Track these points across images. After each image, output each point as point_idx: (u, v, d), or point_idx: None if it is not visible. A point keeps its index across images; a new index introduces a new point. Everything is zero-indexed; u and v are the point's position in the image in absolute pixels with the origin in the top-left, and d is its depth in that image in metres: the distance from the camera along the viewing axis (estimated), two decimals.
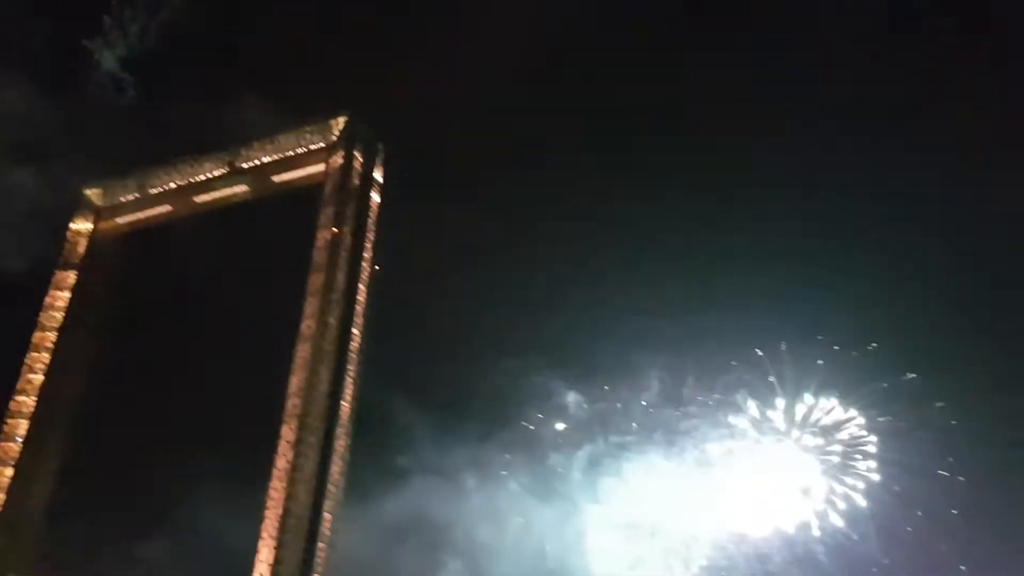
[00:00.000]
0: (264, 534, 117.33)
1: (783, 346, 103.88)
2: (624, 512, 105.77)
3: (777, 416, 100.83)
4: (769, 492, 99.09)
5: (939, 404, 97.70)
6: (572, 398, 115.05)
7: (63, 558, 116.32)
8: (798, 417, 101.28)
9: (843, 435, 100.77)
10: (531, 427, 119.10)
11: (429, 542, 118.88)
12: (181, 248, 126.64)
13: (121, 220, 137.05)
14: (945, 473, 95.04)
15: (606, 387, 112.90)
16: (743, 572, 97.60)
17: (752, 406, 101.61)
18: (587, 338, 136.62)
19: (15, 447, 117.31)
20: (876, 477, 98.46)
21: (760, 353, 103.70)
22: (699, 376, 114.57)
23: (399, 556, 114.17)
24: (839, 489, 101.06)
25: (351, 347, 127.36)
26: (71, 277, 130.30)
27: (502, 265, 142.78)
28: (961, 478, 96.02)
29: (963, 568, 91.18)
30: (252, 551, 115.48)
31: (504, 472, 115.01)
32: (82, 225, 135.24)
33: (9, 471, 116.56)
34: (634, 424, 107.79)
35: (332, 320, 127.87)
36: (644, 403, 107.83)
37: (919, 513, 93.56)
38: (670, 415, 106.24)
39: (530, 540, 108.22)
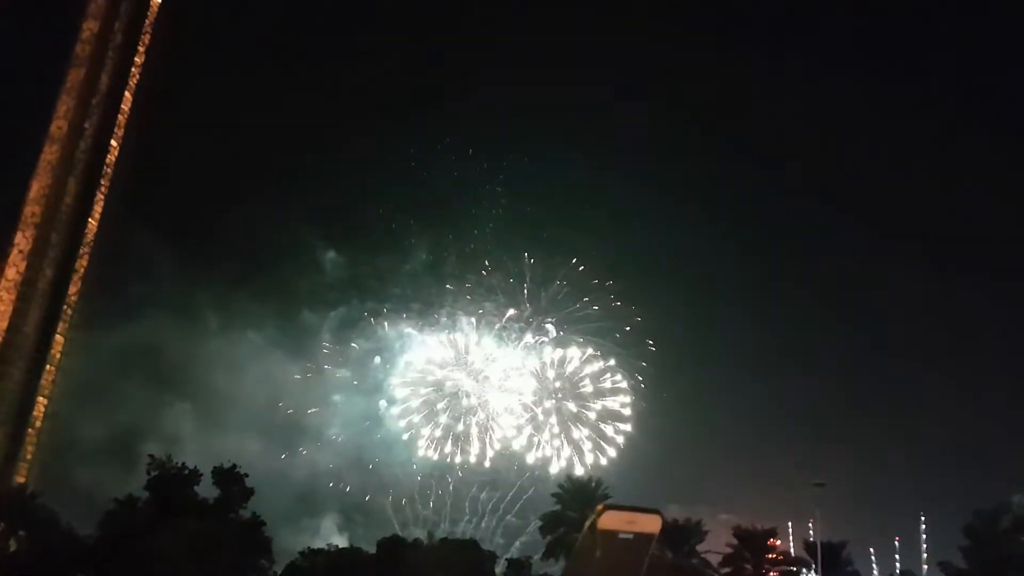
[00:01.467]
0: None
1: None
2: (368, 375, 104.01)
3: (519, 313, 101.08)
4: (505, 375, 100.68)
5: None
6: (332, 257, 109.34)
7: None
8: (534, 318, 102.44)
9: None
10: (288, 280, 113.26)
11: (161, 379, 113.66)
12: None
13: None
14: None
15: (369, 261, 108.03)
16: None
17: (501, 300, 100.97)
18: (358, 200, 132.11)
19: None
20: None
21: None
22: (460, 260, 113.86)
23: (127, 389, 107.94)
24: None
25: (107, 160, 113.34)
26: None
27: (289, 105, 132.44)
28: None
29: None
30: None
31: (250, 321, 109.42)
32: None
33: None
34: (394, 291, 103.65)
35: (88, 125, 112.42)
36: (406, 272, 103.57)
37: None
38: (429, 288, 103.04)
39: (268, 393, 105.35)
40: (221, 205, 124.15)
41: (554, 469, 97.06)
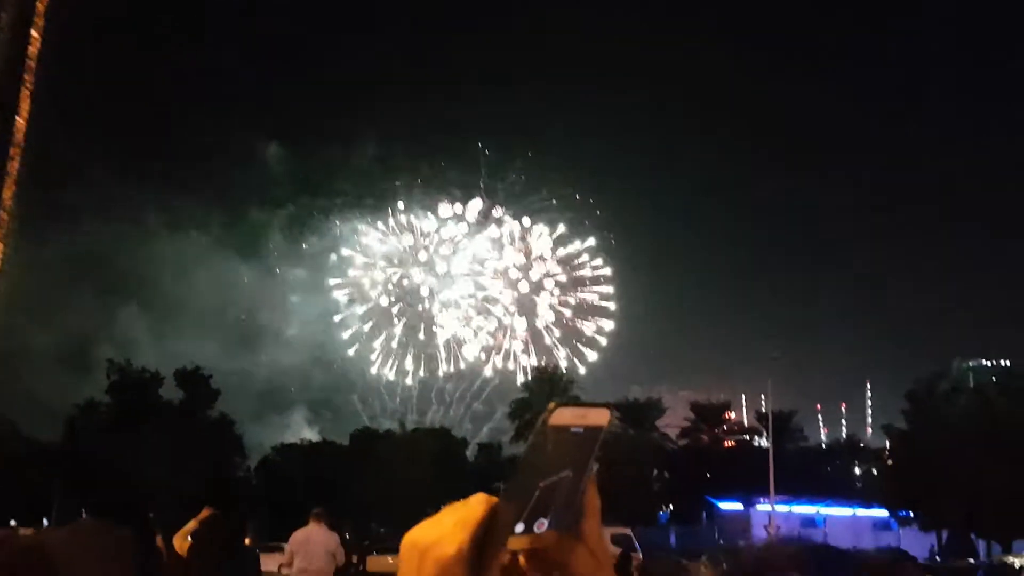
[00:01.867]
0: None
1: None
2: (324, 274, 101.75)
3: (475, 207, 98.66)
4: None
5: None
6: (274, 150, 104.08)
7: None
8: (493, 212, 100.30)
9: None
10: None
11: (109, 285, 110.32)
12: None
13: None
14: None
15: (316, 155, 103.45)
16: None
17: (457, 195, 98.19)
18: (301, 89, 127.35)
19: None
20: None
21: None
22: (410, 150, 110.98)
23: (74, 296, 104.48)
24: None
25: (29, 52, 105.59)
26: None
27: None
28: None
29: None
30: None
31: (195, 222, 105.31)
32: None
33: None
34: (344, 185, 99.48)
35: (5, 15, 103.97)
36: (355, 166, 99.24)
37: None
38: (380, 181, 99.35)
39: (220, 295, 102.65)
40: (155, 100, 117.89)
41: (524, 363, 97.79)
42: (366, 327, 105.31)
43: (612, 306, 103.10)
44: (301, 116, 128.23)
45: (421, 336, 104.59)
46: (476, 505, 0.82)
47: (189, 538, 7.75)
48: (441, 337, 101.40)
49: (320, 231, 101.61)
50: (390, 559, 33.95)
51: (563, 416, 0.72)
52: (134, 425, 59.46)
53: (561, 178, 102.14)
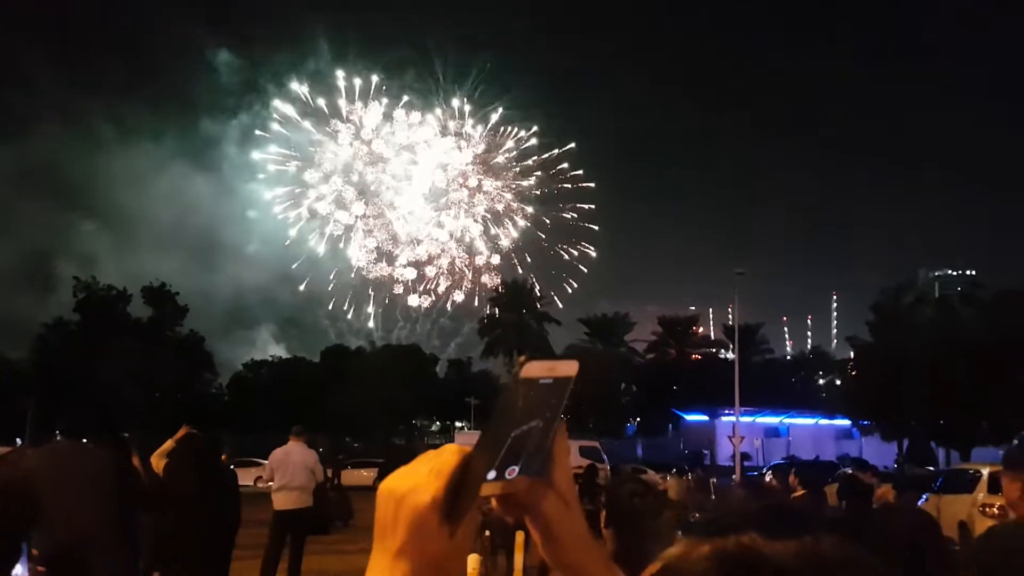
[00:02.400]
0: None
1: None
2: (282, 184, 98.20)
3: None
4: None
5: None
6: (224, 57, 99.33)
7: None
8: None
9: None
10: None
11: (63, 199, 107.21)
12: None
13: None
14: None
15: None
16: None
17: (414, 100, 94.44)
18: None
19: None
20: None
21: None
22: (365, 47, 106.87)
23: (28, 211, 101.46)
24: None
25: None
26: None
27: None
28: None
29: None
30: None
31: (146, 134, 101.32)
32: None
33: None
34: (298, 90, 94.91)
35: None
36: (307, 70, 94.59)
37: None
38: (334, 88, 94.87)
39: (177, 209, 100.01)
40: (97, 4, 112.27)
41: (488, 281, 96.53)
42: (323, 239, 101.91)
43: (594, 227, 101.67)
44: (251, 20, 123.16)
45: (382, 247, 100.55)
46: (449, 455, 0.83)
47: (166, 457, 7.76)
48: (405, 249, 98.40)
49: (277, 140, 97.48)
50: (364, 472, 34.84)
51: (533, 369, 0.77)
52: (103, 343, 59.01)
53: (528, 88, 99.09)
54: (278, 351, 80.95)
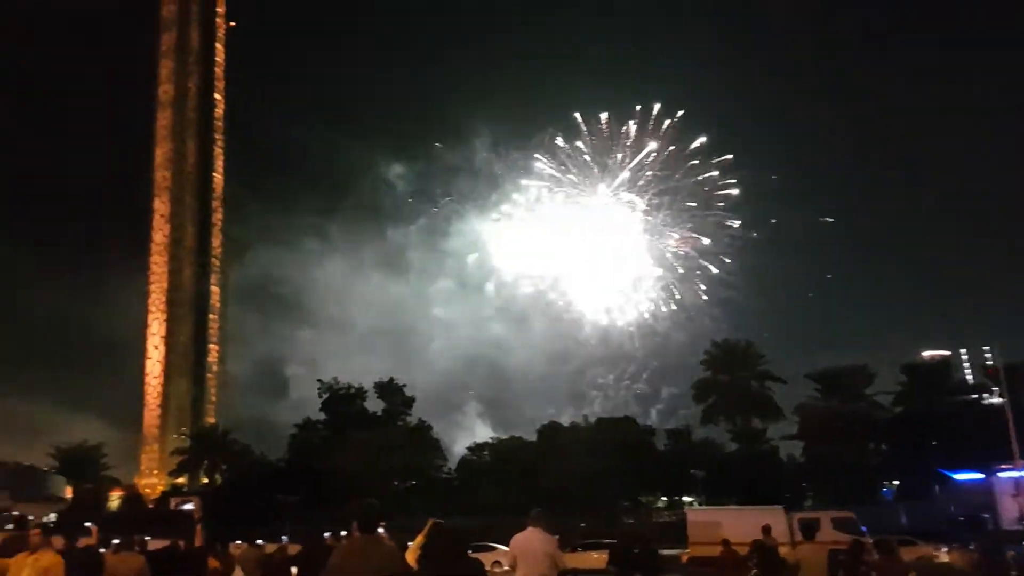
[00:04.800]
0: (153, 308, 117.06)
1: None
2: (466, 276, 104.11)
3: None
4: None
5: None
6: (399, 171, 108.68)
7: None
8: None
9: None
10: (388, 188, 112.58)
11: (284, 311, 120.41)
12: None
13: None
14: None
15: (438, 144, 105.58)
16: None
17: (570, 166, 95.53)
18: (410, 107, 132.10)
19: None
20: None
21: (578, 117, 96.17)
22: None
23: (259, 324, 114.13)
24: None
25: (215, 114, 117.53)
26: None
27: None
28: None
29: None
30: (143, 327, 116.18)
31: (343, 247, 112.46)
32: None
33: None
34: (464, 187, 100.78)
35: (192, 84, 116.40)
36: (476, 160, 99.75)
37: None
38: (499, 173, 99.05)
39: (376, 312, 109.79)
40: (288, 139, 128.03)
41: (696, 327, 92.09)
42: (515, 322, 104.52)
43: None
44: (415, 133, 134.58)
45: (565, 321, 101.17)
46: None
47: (419, 549, 8.70)
48: (587, 321, 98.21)
49: (454, 235, 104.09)
50: (595, 555, 33.47)
51: None
52: (348, 438, 64.60)
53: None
54: (486, 432, 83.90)
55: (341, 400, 72.34)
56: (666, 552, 29.04)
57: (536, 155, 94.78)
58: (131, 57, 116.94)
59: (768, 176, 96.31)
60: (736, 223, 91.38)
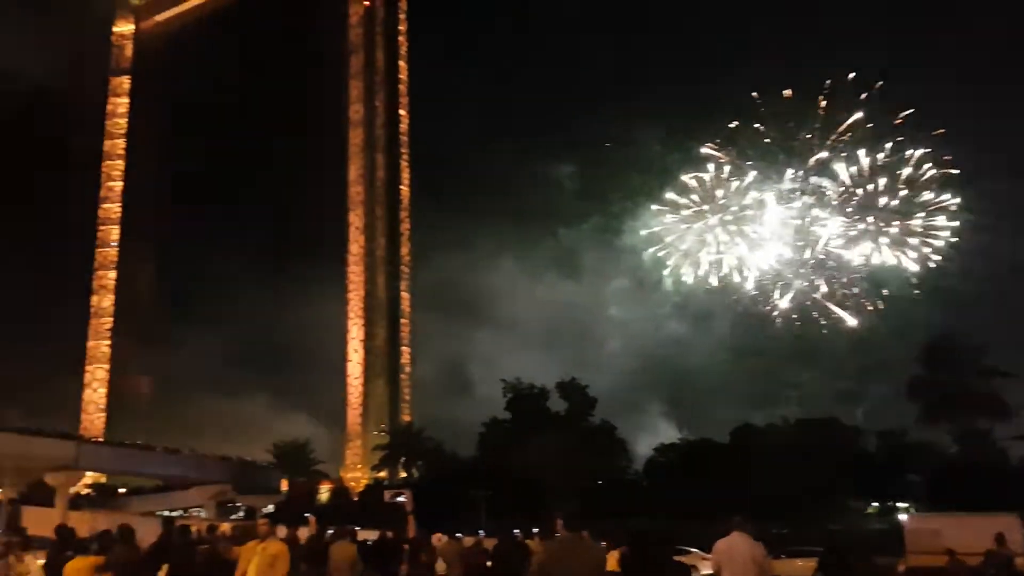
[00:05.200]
0: (352, 314, 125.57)
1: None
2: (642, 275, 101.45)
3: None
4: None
5: None
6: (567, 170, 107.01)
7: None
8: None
9: None
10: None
11: (463, 311, 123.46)
12: (220, 46, 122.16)
13: (160, 18, 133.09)
14: None
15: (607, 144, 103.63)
16: None
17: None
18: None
19: (112, 252, 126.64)
20: None
21: None
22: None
23: (442, 325, 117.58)
24: None
25: (400, 129, 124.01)
26: (126, 82, 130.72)
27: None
28: None
29: None
30: (344, 332, 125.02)
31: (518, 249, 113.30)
32: (125, 27, 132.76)
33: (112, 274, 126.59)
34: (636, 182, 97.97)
35: (378, 102, 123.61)
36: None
37: None
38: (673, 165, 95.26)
39: (551, 312, 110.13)
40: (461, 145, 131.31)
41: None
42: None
43: None
44: (583, 130, 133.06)
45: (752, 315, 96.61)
46: None
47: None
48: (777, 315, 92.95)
49: (628, 232, 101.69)
50: (799, 563, 31.10)
51: None
52: (530, 436, 65.44)
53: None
54: (672, 433, 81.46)
55: (525, 399, 73.49)
56: (880, 561, 26.77)
57: (712, 143, 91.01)
58: (321, 80, 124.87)
59: (984, 151, 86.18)
60: (952, 201, 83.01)
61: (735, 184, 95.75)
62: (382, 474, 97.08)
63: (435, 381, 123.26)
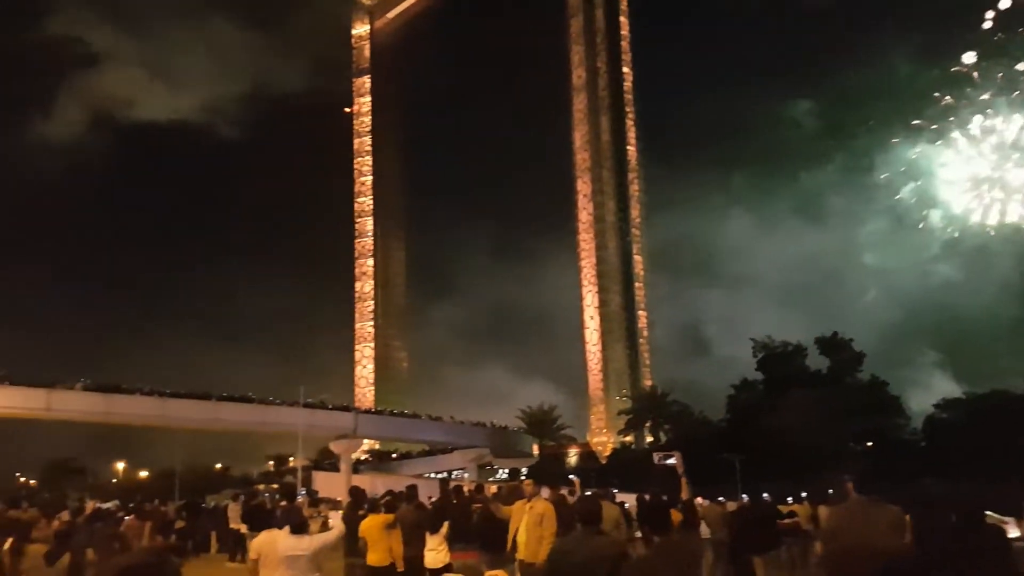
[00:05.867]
0: (585, 282, 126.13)
1: None
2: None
3: None
4: None
5: None
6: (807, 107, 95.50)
7: None
8: None
9: None
10: None
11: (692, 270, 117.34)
12: (445, 29, 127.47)
13: (391, 14, 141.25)
14: None
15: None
16: None
17: None
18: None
19: (368, 242, 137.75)
20: None
21: None
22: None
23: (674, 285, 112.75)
24: None
25: (624, 88, 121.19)
26: (367, 82, 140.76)
27: None
28: None
29: None
30: (578, 299, 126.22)
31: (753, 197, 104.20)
32: (361, 29, 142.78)
33: (369, 262, 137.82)
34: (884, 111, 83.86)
35: (600, 64, 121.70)
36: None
37: None
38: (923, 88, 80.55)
39: (793, 263, 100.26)
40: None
41: None
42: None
43: None
44: (819, 62, 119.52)
45: None
46: None
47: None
48: None
49: (880, 168, 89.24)
50: None
51: None
52: (785, 396, 61.30)
53: None
54: (948, 388, 72.27)
55: (778, 359, 69.06)
56: None
57: (966, 58, 78.47)
58: (540, 47, 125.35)
59: None
60: None
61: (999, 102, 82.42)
62: (628, 438, 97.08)
63: (674, 344, 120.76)
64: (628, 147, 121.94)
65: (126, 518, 18.94)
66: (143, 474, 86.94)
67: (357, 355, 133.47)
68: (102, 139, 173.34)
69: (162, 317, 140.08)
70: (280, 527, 8.08)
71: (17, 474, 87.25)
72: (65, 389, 50.78)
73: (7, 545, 9.40)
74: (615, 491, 19.48)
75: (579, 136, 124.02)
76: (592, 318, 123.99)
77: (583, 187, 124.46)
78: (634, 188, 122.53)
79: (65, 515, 17.09)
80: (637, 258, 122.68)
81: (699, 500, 23.70)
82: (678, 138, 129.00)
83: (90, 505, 22.75)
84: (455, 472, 73.37)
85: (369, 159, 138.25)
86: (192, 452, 78.35)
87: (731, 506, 21.38)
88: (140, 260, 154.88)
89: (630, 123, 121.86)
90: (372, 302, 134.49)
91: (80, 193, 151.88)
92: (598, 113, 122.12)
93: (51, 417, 51.36)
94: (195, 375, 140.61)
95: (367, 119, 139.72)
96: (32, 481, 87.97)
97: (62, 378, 51.22)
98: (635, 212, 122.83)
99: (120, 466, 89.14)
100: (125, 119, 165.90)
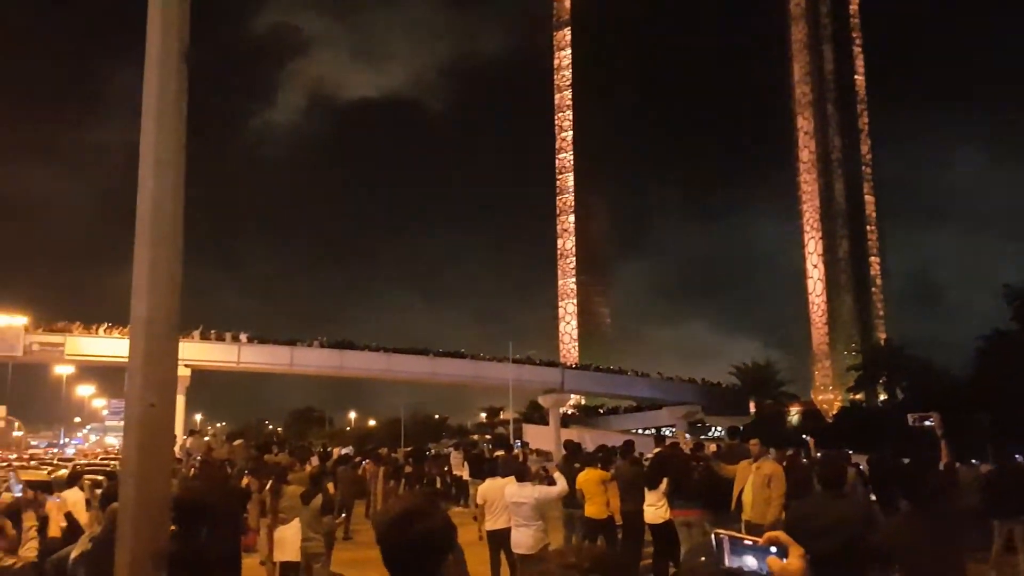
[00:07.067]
0: (808, 227, 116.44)
1: None
2: None
3: None
4: None
5: None
6: None
7: None
8: None
9: None
10: None
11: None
12: None
13: None
14: None
15: None
16: None
17: None
18: None
19: (569, 198, 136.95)
20: None
21: None
22: None
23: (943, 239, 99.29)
24: None
25: (850, 11, 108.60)
26: (567, 35, 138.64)
27: None
28: None
29: None
30: (799, 246, 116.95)
31: None
32: None
33: (570, 218, 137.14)
34: None
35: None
36: None
37: None
38: None
39: None
40: None
41: None
42: None
43: None
44: None
45: None
46: None
47: None
48: None
49: None
50: None
51: None
52: None
53: None
54: None
55: None
56: None
57: None
58: None
59: None
60: None
61: None
62: (858, 396, 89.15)
63: (909, 293, 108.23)
64: (856, 76, 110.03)
65: (363, 462, 20.28)
66: (371, 422, 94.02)
67: (560, 311, 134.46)
68: (319, 120, 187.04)
69: (385, 281, 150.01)
70: (504, 476, 8.77)
71: (266, 421, 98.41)
72: (305, 346, 55.75)
73: (268, 486, 10.51)
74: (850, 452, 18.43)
75: (798, 68, 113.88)
76: (815, 266, 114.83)
77: (804, 123, 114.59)
78: (863, 121, 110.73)
79: (315, 460, 18.46)
80: (868, 198, 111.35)
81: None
82: (916, 66, 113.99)
83: (336, 451, 24.47)
84: (664, 429, 71.53)
85: (569, 114, 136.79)
86: (413, 403, 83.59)
87: (983, 468, 19.35)
88: (363, 231, 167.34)
89: (857, 50, 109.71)
90: (574, 259, 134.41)
91: (304, 172, 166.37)
92: (820, 42, 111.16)
93: (294, 371, 57.07)
94: (413, 333, 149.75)
95: (567, 73, 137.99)
96: (279, 428, 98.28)
97: (302, 337, 56.43)
98: (865, 148, 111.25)
99: (352, 415, 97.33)
100: (339, 99, 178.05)
